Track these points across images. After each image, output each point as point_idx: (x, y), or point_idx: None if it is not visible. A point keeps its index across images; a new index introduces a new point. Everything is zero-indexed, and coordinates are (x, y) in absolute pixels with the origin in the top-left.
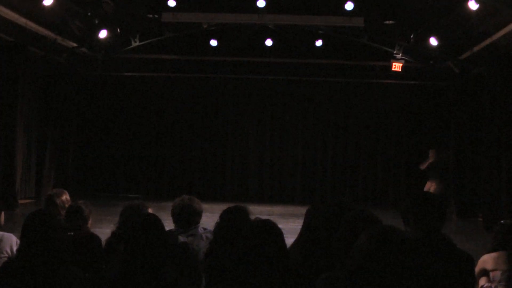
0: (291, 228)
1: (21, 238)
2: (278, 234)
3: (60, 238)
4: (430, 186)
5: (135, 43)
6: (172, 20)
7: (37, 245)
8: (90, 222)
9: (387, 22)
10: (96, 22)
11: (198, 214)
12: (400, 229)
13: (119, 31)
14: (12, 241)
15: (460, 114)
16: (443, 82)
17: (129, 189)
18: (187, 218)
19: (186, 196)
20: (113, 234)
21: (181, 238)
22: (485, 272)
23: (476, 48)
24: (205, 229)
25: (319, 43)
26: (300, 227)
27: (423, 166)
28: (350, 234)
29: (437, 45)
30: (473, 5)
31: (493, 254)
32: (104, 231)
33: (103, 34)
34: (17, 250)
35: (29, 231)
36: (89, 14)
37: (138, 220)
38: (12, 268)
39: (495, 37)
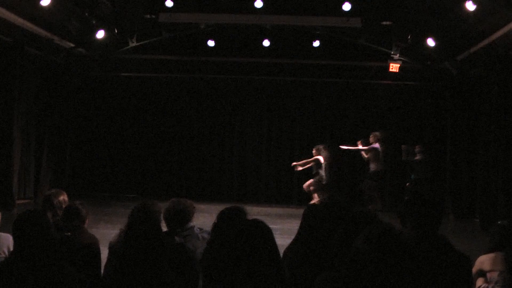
0: (288, 228)
1: (14, 239)
2: (266, 233)
3: (51, 237)
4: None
5: (133, 44)
6: (169, 20)
7: (29, 245)
8: (87, 222)
9: (384, 22)
10: (94, 22)
11: (192, 215)
12: (398, 229)
13: (116, 31)
14: (9, 241)
15: (457, 115)
16: (441, 83)
17: (127, 189)
18: (183, 219)
19: (178, 198)
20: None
21: (178, 239)
22: (482, 273)
23: (473, 49)
24: (201, 229)
25: (316, 43)
26: (297, 227)
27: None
28: (350, 234)
29: (435, 46)
30: (470, 6)
31: (490, 255)
32: (101, 231)
33: (100, 34)
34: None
35: (19, 231)
36: (86, 14)
37: (134, 220)
38: (7, 268)
39: (492, 38)
